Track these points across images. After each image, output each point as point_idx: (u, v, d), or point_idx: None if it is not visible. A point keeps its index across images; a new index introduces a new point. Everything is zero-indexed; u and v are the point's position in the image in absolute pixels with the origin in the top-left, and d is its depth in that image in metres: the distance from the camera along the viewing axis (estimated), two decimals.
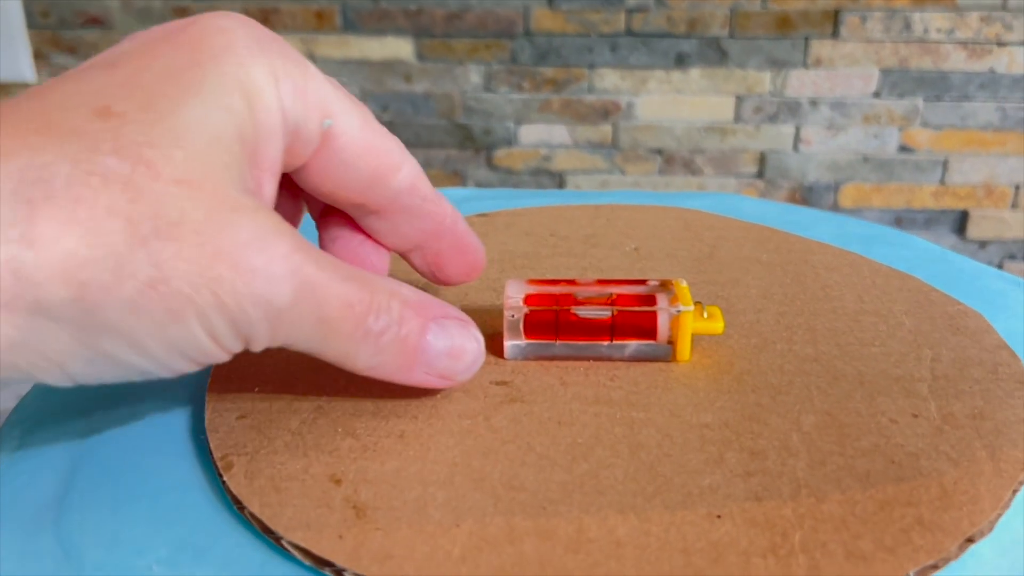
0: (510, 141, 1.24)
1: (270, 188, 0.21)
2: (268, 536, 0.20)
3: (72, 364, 0.18)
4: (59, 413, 0.25)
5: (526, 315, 0.26)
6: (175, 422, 0.24)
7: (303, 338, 0.20)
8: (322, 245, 0.26)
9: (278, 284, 0.19)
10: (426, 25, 1.19)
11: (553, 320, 0.26)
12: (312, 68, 0.22)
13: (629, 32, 1.17)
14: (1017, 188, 1.24)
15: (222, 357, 0.20)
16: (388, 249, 0.26)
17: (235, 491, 0.21)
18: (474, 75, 1.21)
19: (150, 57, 0.19)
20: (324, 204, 0.26)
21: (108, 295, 0.17)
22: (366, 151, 0.23)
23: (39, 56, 1.25)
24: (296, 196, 0.26)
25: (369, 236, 0.26)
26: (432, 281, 0.27)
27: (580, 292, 0.26)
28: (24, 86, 1.26)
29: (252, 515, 0.20)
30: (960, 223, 1.26)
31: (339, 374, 0.25)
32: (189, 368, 0.19)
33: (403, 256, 0.26)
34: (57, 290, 0.17)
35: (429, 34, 1.20)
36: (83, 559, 0.20)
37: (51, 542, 0.20)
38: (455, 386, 0.24)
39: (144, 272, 0.17)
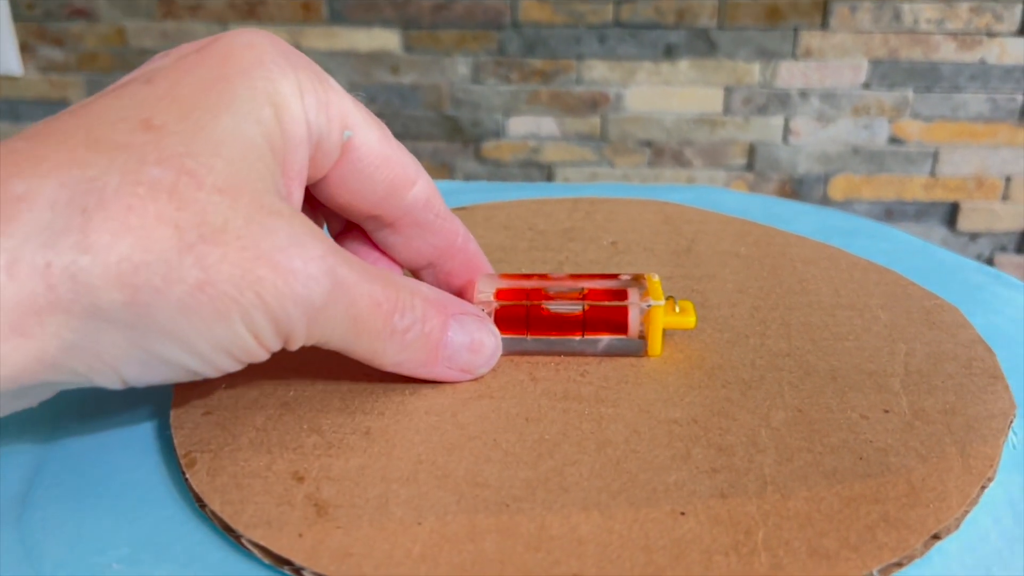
0: (498, 133, 1.24)
1: (298, 195, 0.22)
2: (228, 534, 0.20)
3: (126, 366, 0.19)
4: (25, 410, 0.25)
5: (497, 310, 0.25)
6: (141, 418, 0.24)
7: (337, 335, 0.21)
8: None
9: (315, 283, 0.20)
10: (413, 16, 1.19)
11: (524, 315, 0.26)
12: (332, 82, 0.23)
13: (617, 23, 1.16)
14: (1008, 180, 1.24)
15: (262, 356, 0.20)
16: (401, 266, 0.27)
17: (197, 488, 0.21)
18: (462, 67, 1.21)
19: (183, 72, 0.20)
20: (341, 223, 0.27)
21: (159, 298, 0.18)
22: (383, 163, 0.24)
23: (25, 48, 1.24)
24: (316, 212, 0.26)
25: (384, 254, 0.27)
26: None
27: (552, 287, 0.26)
28: (11, 79, 1.26)
29: (213, 513, 0.20)
30: (951, 215, 1.26)
31: (306, 369, 0.25)
32: (233, 367, 0.20)
33: (415, 274, 0.27)
34: (112, 294, 0.17)
35: (416, 25, 1.19)
36: (43, 557, 0.19)
37: (13, 539, 0.20)
38: (473, 379, 0.25)
39: (192, 275, 0.18)
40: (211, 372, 0.20)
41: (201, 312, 0.18)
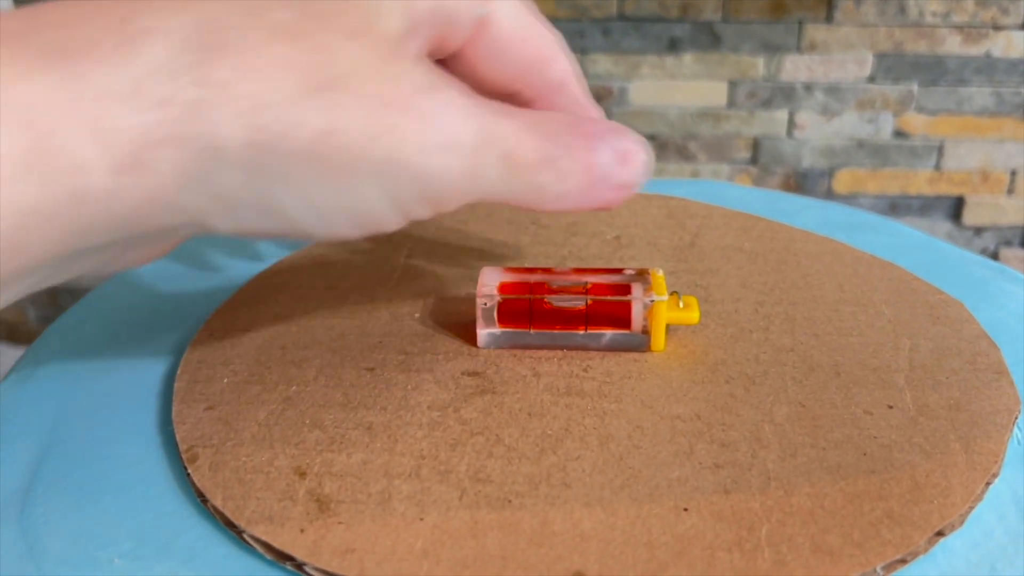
0: None
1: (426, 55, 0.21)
2: (231, 529, 0.20)
3: (243, 211, 0.18)
4: (27, 404, 0.25)
5: (500, 303, 0.25)
6: (143, 414, 0.24)
7: (493, 180, 0.19)
8: None
9: (459, 125, 0.18)
10: None
11: (527, 309, 0.26)
12: None
13: (621, 16, 1.16)
14: (1013, 174, 1.23)
15: (394, 223, 0.19)
16: None
17: (199, 484, 0.21)
18: None
19: None
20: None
21: (282, 142, 0.17)
22: (520, 41, 0.22)
23: None
24: None
25: None
26: None
27: (555, 281, 0.26)
28: None
29: (215, 508, 0.20)
30: (956, 209, 1.26)
31: (308, 364, 0.25)
32: (352, 233, 0.19)
33: None
34: (233, 133, 0.17)
35: None
36: (46, 552, 0.19)
37: (15, 535, 0.20)
38: (631, 195, 0.22)
39: (317, 121, 0.17)
40: (325, 234, 0.19)
41: (325, 162, 0.17)
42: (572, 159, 0.21)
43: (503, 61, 0.22)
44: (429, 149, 0.18)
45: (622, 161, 0.22)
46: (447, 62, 0.23)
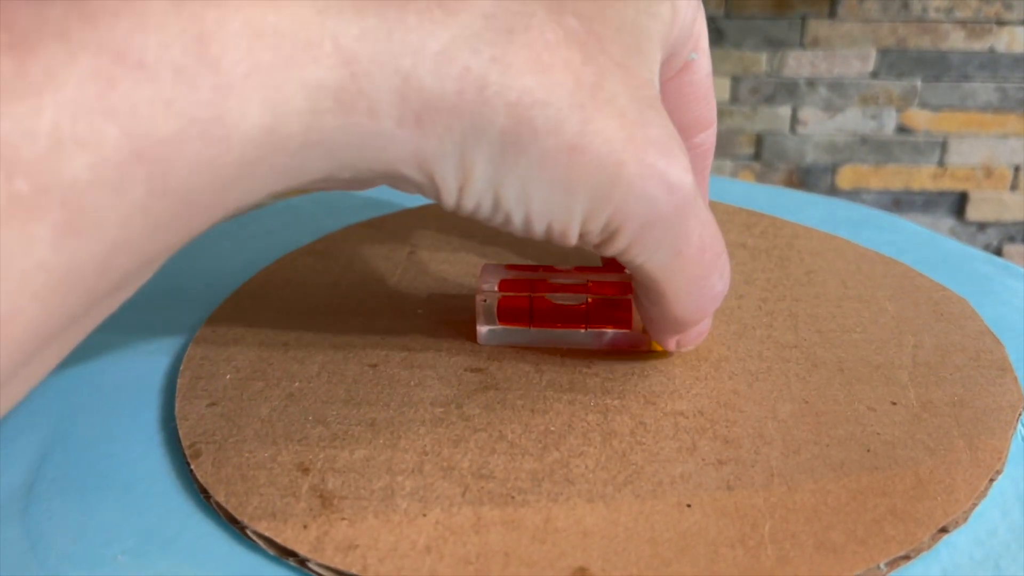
0: None
1: None
2: (234, 525, 0.20)
3: (470, 190, 0.18)
4: (30, 401, 0.25)
5: (499, 300, 0.25)
6: (146, 410, 0.24)
7: (657, 262, 0.20)
8: None
9: (667, 191, 0.19)
10: None
11: (527, 306, 0.26)
12: None
13: None
14: (1017, 169, 1.23)
15: (572, 242, 0.20)
16: None
17: (202, 480, 0.21)
18: None
19: None
20: None
21: (535, 140, 0.18)
22: (701, 97, 0.23)
23: None
24: None
25: None
26: None
27: (556, 279, 0.26)
28: None
29: (218, 504, 0.20)
30: (959, 205, 1.25)
31: (311, 360, 0.25)
32: (542, 238, 0.20)
33: None
34: (500, 116, 0.17)
35: None
36: (49, 549, 0.19)
37: (18, 532, 0.20)
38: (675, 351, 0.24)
39: (571, 133, 0.18)
40: (521, 230, 0.20)
41: (557, 172, 0.18)
42: (712, 302, 0.22)
43: (684, 110, 0.23)
44: (638, 195, 0.18)
45: (701, 335, 0.24)
46: None
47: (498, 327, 0.26)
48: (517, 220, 0.19)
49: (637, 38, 0.19)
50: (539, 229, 0.19)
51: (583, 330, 0.26)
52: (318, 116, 0.16)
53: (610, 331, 0.26)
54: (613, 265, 0.27)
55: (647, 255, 0.20)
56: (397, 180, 0.18)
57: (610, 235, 0.19)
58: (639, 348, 0.26)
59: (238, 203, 0.17)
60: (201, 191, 0.15)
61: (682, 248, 0.20)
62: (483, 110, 0.17)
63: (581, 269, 0.27)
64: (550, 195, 0.18)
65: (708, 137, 0.24)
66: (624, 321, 0.25)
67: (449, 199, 0.19)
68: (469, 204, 0.19)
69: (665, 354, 0.25)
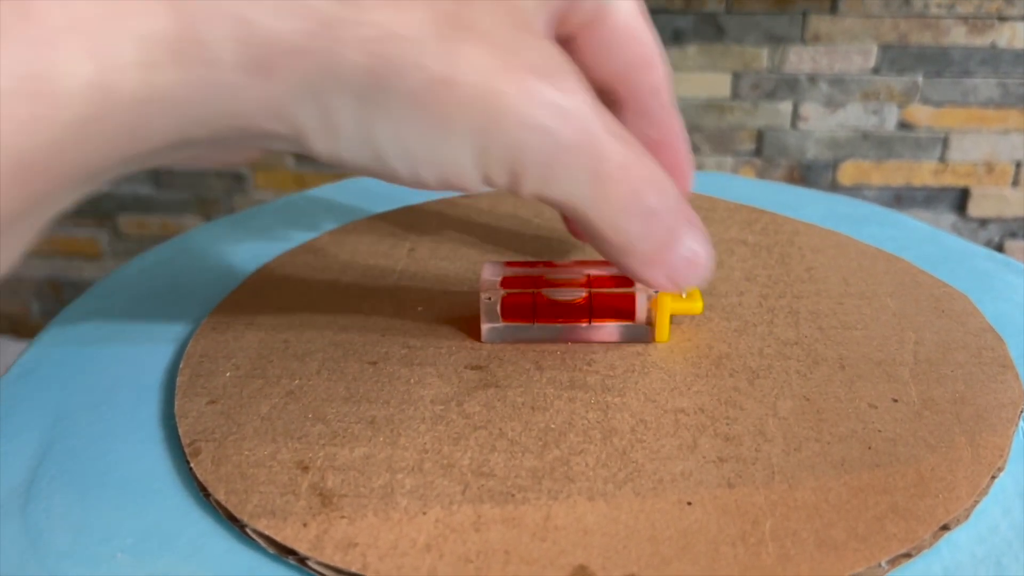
0: None
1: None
2: (233, 523, 0.20)
3: (343, 138, 0.18)
4: (30, 399, 0.25)
5: (503, 298, 0.25)
6: (145, 407, 0.24)
7: (576, 193, 0.19)
8: None
9: (562, 118, 0.18)
10: None
11: (530, 302, 0.25)
12: None
13: None
14: (1018, 165, 1.23)
15: (476, 187, 0.19)
16: None
17: (201, 478, 0.20)
18: None
19: None
20: None
21: (397, 79, 0.17)
22: (629, 38, 0.22)
23: None
24: None
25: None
26: None
27: (557, 274, 0.26)
28: None
29: (217, 502, 0.20)
30: (960, 201, 1.25)
31: (311, 357, 0.25)
32: (437, 186, 0.19)
33: None
34: (355, 57, 0.17)
35: None
36: (48, 547, 0.19)
37: (17, 529, 0.20)
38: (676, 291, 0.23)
39: (436, 67, 0.17)
40: (410, 180, 0.19)
41: (429, 110, 0.17)
42: (665, 227, 0.20)
43: (611, 56, 0.22)
44: (527, 126, 0.18)
45: (692, 261, 0.22)
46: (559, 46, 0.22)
47: (501, 324, 0.26)
48: (403, 169, 0.18)
49: None
50: (430, 178, 0.19)
51: (585, 324, 0.26)
52: (154, 69, 0.15)
53: (613, 324, 0.25)
54: None
55: (564, 188, 0.19)
56: (260, 136, 0.18)
57: (515, 176, 0.19)
58: (642, 340, 0.26)
59: (84, 166, 0.16)
60: (35, 150, 0.15)
61: (600, 171, 0.19)
62: (335, 48, 0.16)
63: (581, 263, 0.27)
64: (430, 138, 0.18)
65: (651, 77, 0.23)
66: (627, 314, 0.25)
67: (321, 149, 0.18)
68: (344, 154, 0.18)
69: (667, 350, 0.25)
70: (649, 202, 0.20)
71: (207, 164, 0.19)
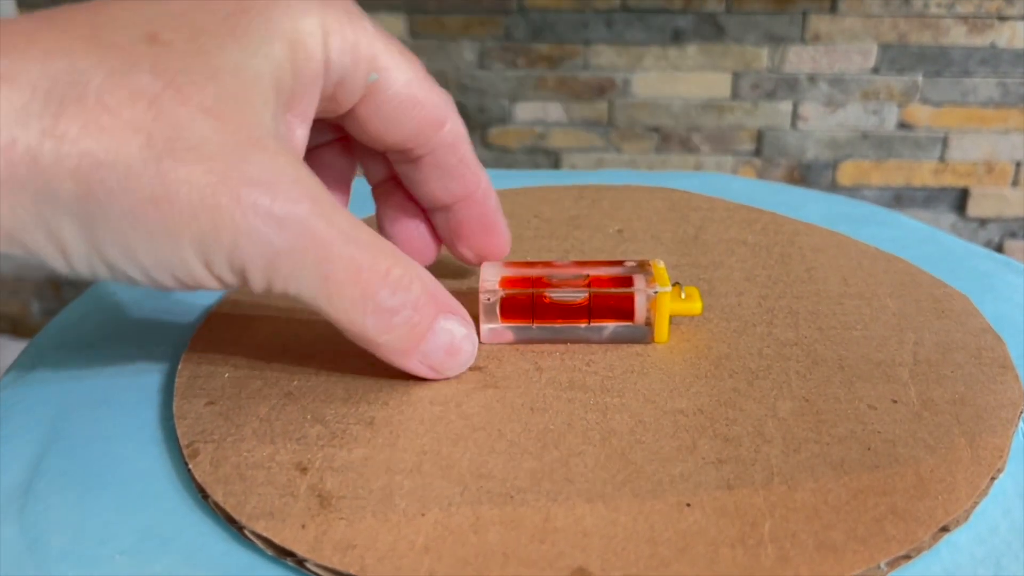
0: (505, 119, 1.23)
1: (301, 134, 0.22)
2: (231, 525, 0.19)
3: (74, 256, 0.19)
4: (28, 400, 0.25)
5: (502, 298, 0.25)
6: (144, 408, 0.24)
7: (306, 291, 0.20)
8: (378, 218, 0.27)
9: (277, 226, 0.19)
10: (419, 1, 1.18)
11: (530, 303, 0.25)
12: (366, 22, 0.22)
13: (624, 8, 1.15)
14: (1018, 165, 1.23)
15: (214, 286, 0.20)
16: (422, 208, 0.27)
17: (200, 479, 0.20)
18: (468, 52, 1.20)
19: None
20: (384, 172, 0.27)
21: (112, 200, 0.18)
22: (410, 104, 0.23)
23: None
24: (350, 154, 0.26)
25: (427, 223, 0.27)
26: (449, 248, 0.27)
27: (556, 274, 0.26)
28: None
29: (216, 504, 0.20)
30: (960, 201, 1.25)
31: (310, 358, 0.25)
32: (178, 288, 0.20)
33: (428, 214, 0.27)
34: (67, 183, 0.18)
35: (422, 10, 1.18)
36: (47, 548, 0.19)
37: (15, 531, 0.20)
38: (436, 379, 0.24)
39: (150, 187, 0.18)
40: (151, 286, 0.20)
41: (149, 226, 0.18)
42: (408, 323, 0.22)
43: (395, 122, 0.23)
44: (243, 233, 0.19)
45: (450, 351, 0.23)
46: (340, 120, 0.24)
47: (501, 325, 0.26)
48: (139, 276, 0.19)
49: (241, 81, 0.19)
50: (167, 282, 0.20)
51: (585, 324, 0.25)
52: None
53: (612, 325, 0.25)
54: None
55: (293, 287, 0.20)
56: (6, 256, 0.19)
57: (243, 277, 0.20)
58: (641, 341, 0.26)
59: None
60: None
61: (328, 273, 0.20)
62: (46, 179, 0.18)
63: (580, 264, 0.26)
64: (156, 249, 0.19)
65: (442, 135, 0.24)
66: (626, 314, 0.25)
67: (59, 267, 0.19)
68: (82, 269, 0.19)
69: (666, 351, 0.25)
70: (383, 302, 0.21)
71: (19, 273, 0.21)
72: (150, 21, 0.19)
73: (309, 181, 0.20)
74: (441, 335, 0.23)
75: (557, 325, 0.26)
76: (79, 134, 0.18)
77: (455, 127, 0.25)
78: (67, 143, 0.18)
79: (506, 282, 0.26)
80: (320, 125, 0.26)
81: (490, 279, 0.26)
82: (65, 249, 0.19)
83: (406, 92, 0.23)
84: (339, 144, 0.26)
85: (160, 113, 0.18)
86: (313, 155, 0.26)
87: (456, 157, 0.25)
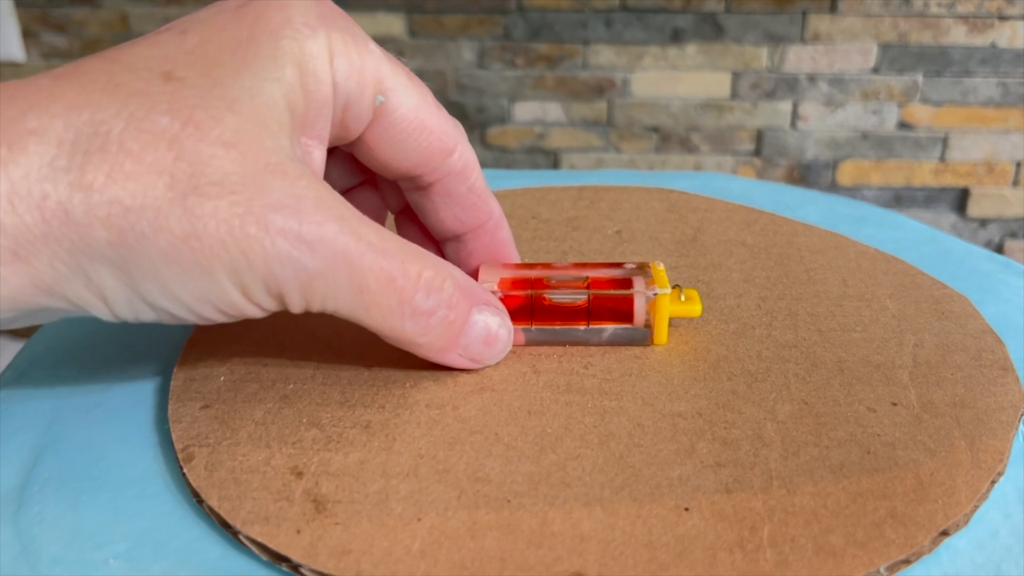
0: (504, 119, 1.23)
1: (319, 156, 0.22)
2: (226, 530, 0.19)
3: (115, 302, 0.19)
4: (23, 403, 0.25)
5: (501, 300, 0.25)
6: (139, 412, 0.24)
7: (344, 305, 0.21)
8: None
9: (307, 248, 0.19)
10: (418, 1, 1.18)
11: (528, 304, 0.25)
12: (372, 45, 0.22)
13: (624, 7, 1.15)
14: (1018, 165, 1.23)
15: (256, 312, 0.21)
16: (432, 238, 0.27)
17: (194, 484, 0.20)
18: (467, 52, 1.20)
19: (216, 28, 0.21)
20: (396, 206, 0.27)
21: (145, 243, 0.18)
22: (419, 130, 0.23)
23: (28, 34, 1.24)
24: (372, 181, 0.27)
25: (440, 255, 0.27)
26: None
27: (555, 276, 0.26)
28: (13, 65, 1.25)
29: (211, 509, 0.20)
30: (960, 201, 1.25)
31: (306, 362, 0.25)
32: (221, 318, 0.20)
33: (441, 245, 0.27)
34: (99, 232, 0.18)
35: (421, 10, 1.18)
36: (40, 552, 0.19)
37: (9, 535, 0.20)
38: (480, 369, 0.24)
39: (180, 226, 0.18)
40: (198, 320, 0.20)
41: (184, 263, 0.19)
42: (445, 321, 0.22)
43: (403, 148, 0.24)
44: (275, 258, 0.19)
45: (487, 341, 0.24)
46: (350, 147, 0.24)
47: None
48: (182, 313, 0.20)
49: (257, 107, 0.20)
50: (209, 314, 0.20)
51: (584, 326, 0.25)
52: None
53: (611, 327, 0.25)
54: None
55: (331, 304, 0.21)
56: (44, 311, 0.19)
57: (280, 299, 0.20)
58: (640, 343, 0.25)
59: None
60: None
61: (363, 287, 0.21)
62: (79, 230, 0.18)
63: (579, 265, 0.26)
64: (193, 284, 0.19)
65: (450, 162, 0.24)
66: (626, 316, 0.25)
67: (102, 314, 0.20)
68: (125, 314, 0.20)
69: (664, 353, 0.25)
70: (419, 305, 0.22)
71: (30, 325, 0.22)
72: (164, 60, 0.20)
73: (331, 200, 0.20)
74: (477, 327, 0.23)
75: (556, 327, 0.25)
76: (105, 183, 0.18)
77: (465, 154, 0.25)
78: (95, 192, 0.18)
79: (504, 283, 0.25)
80: (347, 167, 0.26)
81: (488, 280, 0.25)
82: (106, 296, 0.19)
83: (414, 116, 0.23)
84: (369, 186, 0.27)
85: (181, 152, 0.19)
86: (346, 198, 0.26)
87: (466, 185, 0.25)
